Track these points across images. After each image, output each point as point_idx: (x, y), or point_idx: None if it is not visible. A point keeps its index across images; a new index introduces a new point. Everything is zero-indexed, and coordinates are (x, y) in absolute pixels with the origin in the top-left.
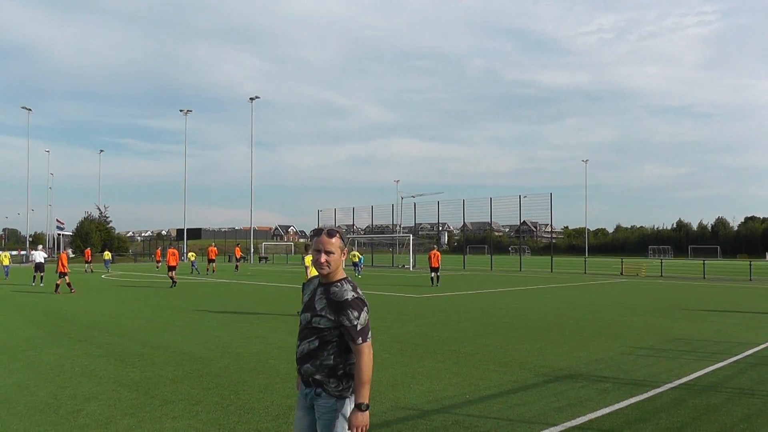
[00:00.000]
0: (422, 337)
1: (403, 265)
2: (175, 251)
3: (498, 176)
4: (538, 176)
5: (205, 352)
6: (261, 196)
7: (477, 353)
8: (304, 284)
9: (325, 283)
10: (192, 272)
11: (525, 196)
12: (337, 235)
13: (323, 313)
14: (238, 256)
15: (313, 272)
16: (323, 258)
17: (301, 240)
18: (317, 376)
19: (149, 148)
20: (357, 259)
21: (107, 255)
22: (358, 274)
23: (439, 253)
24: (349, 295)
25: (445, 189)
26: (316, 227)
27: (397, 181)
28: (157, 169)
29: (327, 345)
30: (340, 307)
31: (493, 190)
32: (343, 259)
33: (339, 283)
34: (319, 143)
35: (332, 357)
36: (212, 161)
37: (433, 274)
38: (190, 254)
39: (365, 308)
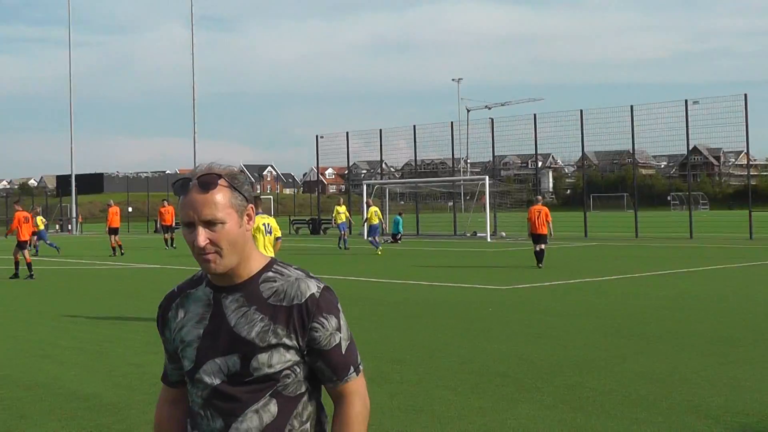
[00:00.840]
0: (514, 361)
1: (475, 232)
2: (28, 215)
3: (643, 66)
4: (719, 65)
5: (118, 394)
6: (212, 116)
7: (615, 390)
8: (164, 304)
9: (236, 284)
10: (32, 251)
11: (695, 102)
12: (222, 181)
13: (272, 340)
14: (168, 223)
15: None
16: (203, 238)
17: (286, 191)
18: None
19: (2, 33)
20: (377, 221)
21: None
22: (377, 248)
23: (547, 209)
24: (313, 286)
25: (545, 93)
26: (181, 176)
27: (459, 80)
28: (19, 70)
29: (295, 404)
30: (305, 314)
31: (635, 93)
32: (250, 227)
33: (272, 272)
34: (314, 16)
35: (309, 424)
36: (121, 56)
37: (538, 248)
38: (38, 219)
39: (341, 308)
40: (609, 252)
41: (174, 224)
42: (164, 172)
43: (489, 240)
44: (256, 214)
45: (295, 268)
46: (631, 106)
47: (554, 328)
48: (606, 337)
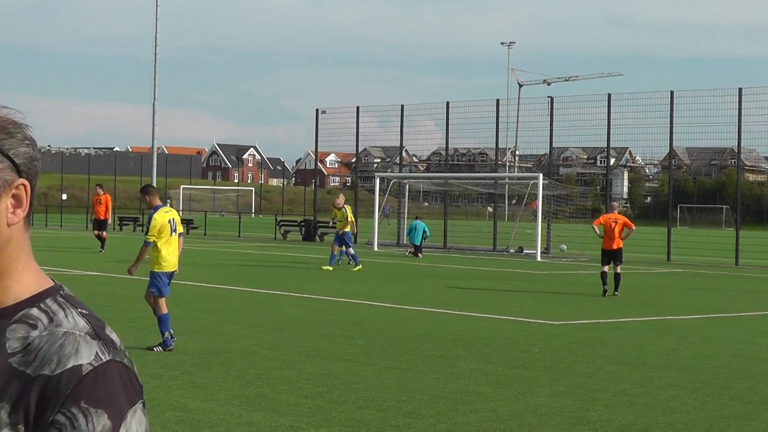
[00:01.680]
0: (565, 422)
1: (521, 248)
2: None
3: (759, 35)
4: None
5: None
6: (178, 78)
7: None
8: None
9: None
10: None
11: None
12: None
13: None
14: (102, 217)
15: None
16: None
17: (273, 182)
18: None
19: None
20: (349, 228)
21: None
22: (354, 262)
23: (624, 219)
24: (86, 353)
25: (625, 66)
26: None
27: (510, 44)
28: None
29: None
30: (48, 395)
31: (745, 71)
32: (17, 219)
33: (40, 309)
34: None
35: None
36: None
37: (608, 268)
38: None
39: (138, 404)
40: (699, 282)
41: (109, 219)
42: (112, 149)
43: (539, 259)
44: (157, 207)
45: (81, 314)
46: (739, 89)
47: (620, 381)
48: (690, 395)
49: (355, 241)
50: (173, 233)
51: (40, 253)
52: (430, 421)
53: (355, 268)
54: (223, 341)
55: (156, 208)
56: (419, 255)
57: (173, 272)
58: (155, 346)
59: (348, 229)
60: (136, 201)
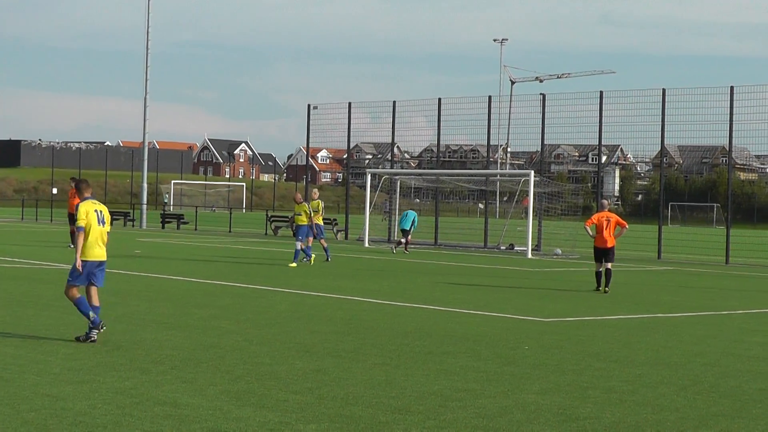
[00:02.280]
0: (554, 419)
1: (512, 245)
2: None
3: (751, 33)
4: None
5: None
6: (170, 72)
7: None
8: None
9: None
10: None
11: None
12: None
13: None
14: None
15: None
16: None
17: (264, 177)
18: None
19: None
20: (306, 221)
21: None
22: (306, 260)
23: (617, 217)
24: None
25: (618, 64)
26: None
27: (502, 40)
28: None
29: None
30: None
31: (738, 70)
32: None
33: None
34: None
35: None
36: None
37: (602, 267)
38: None
39: None
40: (689, 280)
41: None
42: (103, 143)
43: (530, 256)
44: (84, 198)
45: None
46: (731, 87)
47: (609, 378)
48: (679, 393)
49: (346, 237)
50: (101, 224)
51: (30, 247)
52: (420, 417)
53: (291, 264)
54: (212, 336)
55: (84, 199)
56: (405, 244)
57: (102, 261)
58: (85, 334)
59: (305, 222)
60: (127, 196)
